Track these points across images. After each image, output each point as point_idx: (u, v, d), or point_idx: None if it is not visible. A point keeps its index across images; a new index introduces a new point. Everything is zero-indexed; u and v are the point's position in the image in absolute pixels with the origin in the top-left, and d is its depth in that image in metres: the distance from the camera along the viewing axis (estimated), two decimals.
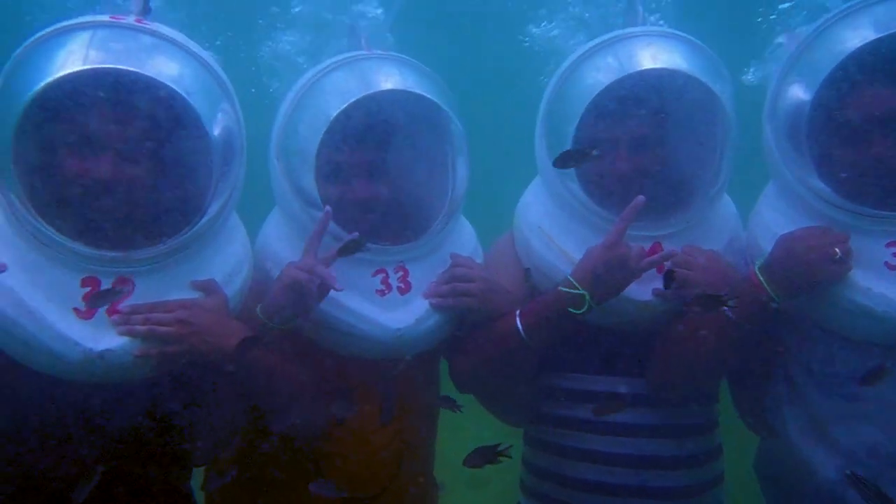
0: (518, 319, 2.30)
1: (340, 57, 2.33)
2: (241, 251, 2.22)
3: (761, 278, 2.16)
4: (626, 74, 2.22)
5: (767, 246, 2.24)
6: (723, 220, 2.49)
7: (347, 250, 2.13)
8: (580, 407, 2.46)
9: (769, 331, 2.30)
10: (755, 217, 2.44)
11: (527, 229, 2.50)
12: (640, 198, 2.16)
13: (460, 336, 2.46)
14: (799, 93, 2.21)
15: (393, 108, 2.32)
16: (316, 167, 2.21)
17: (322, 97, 2.24)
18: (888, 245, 2.13)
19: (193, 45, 2.03)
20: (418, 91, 2.25)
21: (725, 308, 2.08)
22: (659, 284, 2.28)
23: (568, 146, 2.26)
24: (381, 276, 2.32)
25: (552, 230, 2.43)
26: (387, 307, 2.31)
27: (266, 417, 2.29)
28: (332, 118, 2.15)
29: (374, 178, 2.32)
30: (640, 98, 2.28)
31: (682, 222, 2.38)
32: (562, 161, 2.19)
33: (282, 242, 2.36)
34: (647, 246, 2.31)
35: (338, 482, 2.37)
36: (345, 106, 2.16)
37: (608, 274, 2.19)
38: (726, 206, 2.54)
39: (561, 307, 2.23)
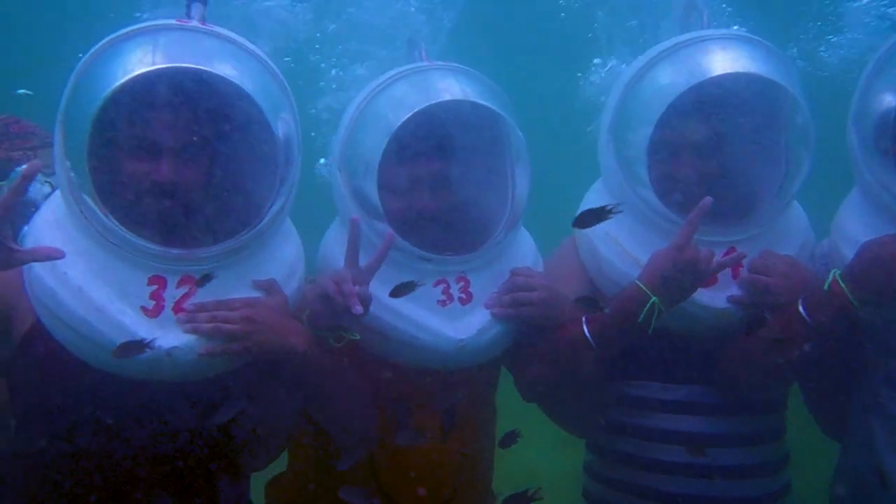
0: (585, 326, 2.26)
1: (401, 68, 2.33)
2: (295, 253, 2.23)
3: (843, 285, 2.10)
4: (706, 78, 2.20)
5: (849, 252, 2.18)
6: (795, 225, 2.46)
7: (399, 292, 2.11)
8: (651, 415, 2.43)
9: (851, 340, 2.24)
10: (837, 223, 2.39)
11: (593, 235, 2.45)
12: (708, 199, 2.12)
13: (524, 345, 2.43)
14: (887, 96, 2.17)
15: (454, 118, 2.31)
16: (378, 178, 2.21)
17: (384, 108, 2.24)
18: None
19: (256, 48, 2.06)
20: (480, 101, 2.25)
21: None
22: (735, 291, 2.25)
23: (643, 150, 2.25)
24: (442, 286, 2.31)
25: (621, 236, 2.40)
26: (448, 317, 2.30)
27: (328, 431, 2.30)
28: (394, 129, 2.16)
29: (436, 189, 2.32)
30: (718, 102, 2.26)
31: (755, 227, 2.34)
32: (582, 221, 2.12)
33: (343, 256, 2.35)
34: (721, 252, 2.27)
35: (400, 498, 2.37)
36: (407, 117, 2.16)
37: (677, 277, 2.15)
38: (796, 210, 2.50)
39: (629, 312, 2.19)
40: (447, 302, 2.32)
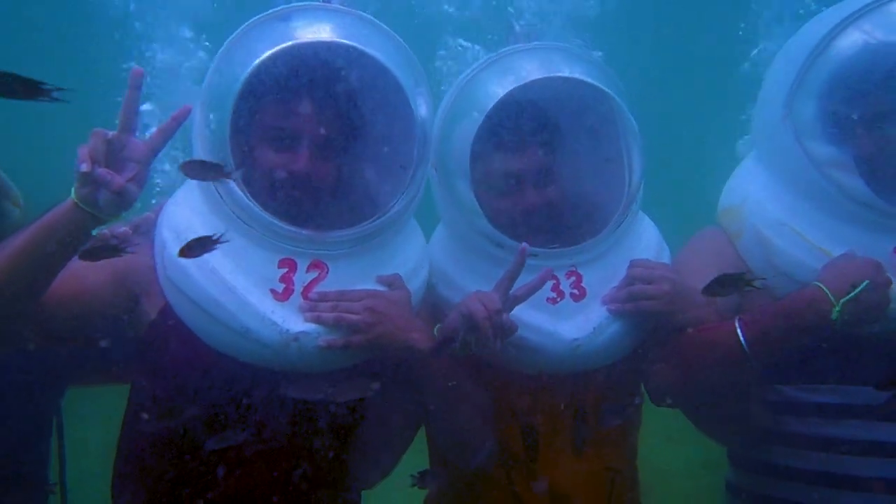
0: (739, 330, 2.00)
1: (494, 54, 2.21)
2: (420, 251, 2.18)
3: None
4: None
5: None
6: None
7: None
8: (834, 423, 2.11)
9: None
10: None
11: (764, 226, 2.20)
12: None
13: (658, 343, 2.19)
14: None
15: (557, 99, 2.17)
16: (477, 174, 2.11)
17: (474, 96, 2.12)
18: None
19: (394, 33, 2.03)
20: (576, 76, 2.07)
21: None
22: None
23: (850, 126, 2.05)
24: (551, 282, 2.13)
25: (800, 225, 2.14)
26: (560, 316, 2.13)
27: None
28: (483, 117, 2.04)
29: (540, 182, 2.16)
30: None
31: None
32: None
33: (447, 258, 2.27)
34: None
35: None
36: (494, 103, 2.03)
37: (869, 293, 1.90)
38: None
39: (804, 320, 1.94)
40: (558, 299, 2.15)
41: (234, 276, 1.89)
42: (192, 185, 2.06)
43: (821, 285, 1.94)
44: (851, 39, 2.03)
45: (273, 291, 1.90)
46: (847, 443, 2.09)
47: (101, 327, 1.97)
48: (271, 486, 1.97)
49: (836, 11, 2.10)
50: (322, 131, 1.93)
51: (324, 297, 1.92)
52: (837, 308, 1.90)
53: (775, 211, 2.20)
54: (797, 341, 1.99)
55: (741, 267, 2.23)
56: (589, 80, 2.08)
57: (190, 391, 1.94)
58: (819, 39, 2.07)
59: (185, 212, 2.00)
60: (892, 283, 1.95)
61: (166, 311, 1.95)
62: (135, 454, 2.02)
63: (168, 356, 1.95)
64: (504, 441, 2.18)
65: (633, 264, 2.16)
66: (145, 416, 1.98)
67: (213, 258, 1.87)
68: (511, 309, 1.94)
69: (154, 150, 1.73)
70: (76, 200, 1.68)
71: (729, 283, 1.94)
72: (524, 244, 1.96)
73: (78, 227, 1.71)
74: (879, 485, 2.05)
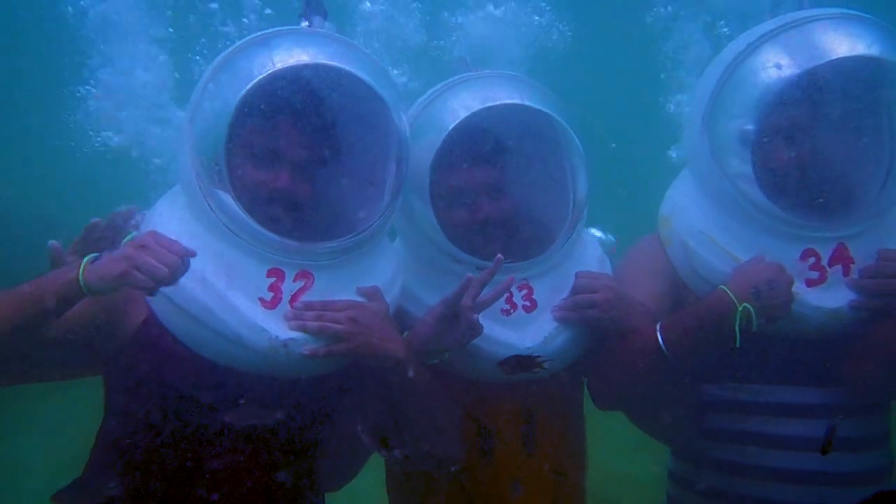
0: (659, 334, 2.18)
1: (449, 80, 2.33)
2: (395, 266, 2.25)
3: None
4: (824, 62, 2.10)
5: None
6: None
7: None
8: (753, 419, 2.31)
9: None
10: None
11: (686, 235, 2.37)
12: None
13: (595, 352, 2.36)
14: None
15: (506, 123, 2.30)
16: (434, 191, 2.23)
17: (429, 121, 2.24)
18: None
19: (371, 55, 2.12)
20: (528, 104, 2.21)
21: None
22: (845, 289, 2.19)
23: (748, 141, 2.18)
24: (504, 294, 2.26)
25: (715, 233, 2.31)
26: (513, 326, 2.27)
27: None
28: (439, 142, 2.16)
29: (493, 197, 2.30)
30: (829, 88, 2.19)
31: (864, 221, 2.21)
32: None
33: (407, 273, 2.34)
34: (828, 248, 2.20)
35: None
36: (452, 125, 2.16)
37: (770, 295, 2.08)
38: None
39: (712, 321, 2.12)
40: (511, 311, 2.28)
41: (224, 284, 1.94)
42: (176, 196, 2.10)
43: (725, 288, 2.12)
44: (759, 61, 2.18)
45: (262, 300, 1.96)
46: (754, 436, 2.30)
47: (78, 330, 1.96)
48: (241, 488, 2.03)
49: (749, 35, 2.27)
50: (312, 150, 2.03)
51: (309, 307, 1.99)
52: (740, 309, 2.08)
53: (696, 220, 2.36)
54: (708, 341, 2.16)
55: (673, 274, 2.40)
56: (538, 106, 2.22)
57: (173, 398, 1.98)
58: (730, 61, 2.24)
59: (171, 223, 2.02)
60: (794, 283, 2.13)
61: (149, 320, 1.99)
62: (114, 460, 2.02)
63: (152, 365, 1.98)
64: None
65: (578, 276, 2.32)
66: (118, 422, 2.01)
67: (203, 266, 1.92)
68: (481, 311, 2.08)
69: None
70: (82, 282, 1.74)
71: (524, 364, 2.19)
72: (499, 256, 2.07)
73: (68, 302, 1.79)
74: (784, 474, 2.26)
